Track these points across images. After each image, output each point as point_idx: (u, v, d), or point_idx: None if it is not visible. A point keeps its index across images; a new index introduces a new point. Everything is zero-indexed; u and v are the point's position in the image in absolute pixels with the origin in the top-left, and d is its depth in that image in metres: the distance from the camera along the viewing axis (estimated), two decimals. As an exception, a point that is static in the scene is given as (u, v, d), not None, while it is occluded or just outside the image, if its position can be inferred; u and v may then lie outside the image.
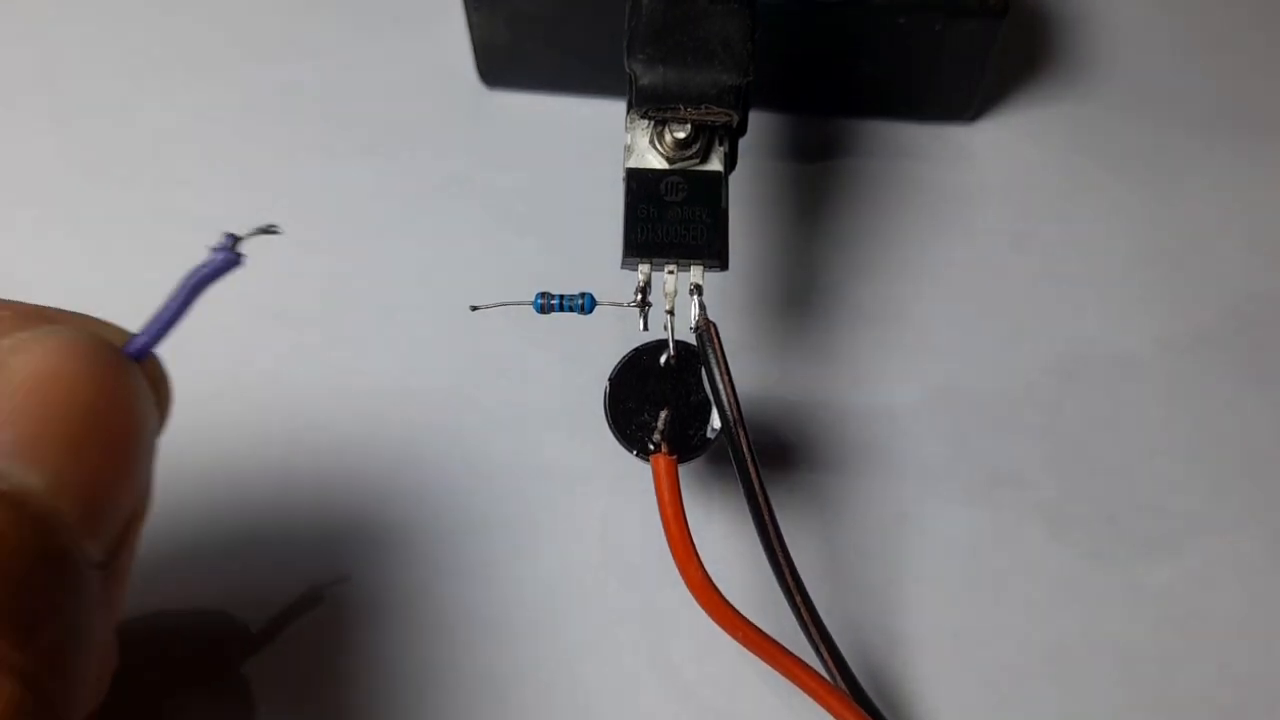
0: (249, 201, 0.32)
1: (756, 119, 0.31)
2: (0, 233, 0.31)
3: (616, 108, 0.32)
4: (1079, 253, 0.31)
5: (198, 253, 0.31)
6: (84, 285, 0.30)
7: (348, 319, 0.30)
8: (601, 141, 0.28)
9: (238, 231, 0.19)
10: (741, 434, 0.22)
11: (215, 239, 0.19)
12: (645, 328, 0.23)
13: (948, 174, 0.32)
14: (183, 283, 0.19)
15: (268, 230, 0.20)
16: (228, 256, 0.19)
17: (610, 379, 0.24)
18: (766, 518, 0.23)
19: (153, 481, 0.18)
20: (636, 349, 0.24)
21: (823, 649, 0.23)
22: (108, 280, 0.30)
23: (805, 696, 0.23)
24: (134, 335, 0.18)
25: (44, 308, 0.18)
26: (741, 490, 0.23)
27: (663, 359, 0.24)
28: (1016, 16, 0.31)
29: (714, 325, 0.23)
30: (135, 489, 0.17)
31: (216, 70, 0.34)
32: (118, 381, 0.17)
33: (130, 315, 0.30)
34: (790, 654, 0.23)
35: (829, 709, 0.23)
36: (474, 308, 0.23)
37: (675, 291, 0.24)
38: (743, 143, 0.25)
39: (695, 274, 0.23)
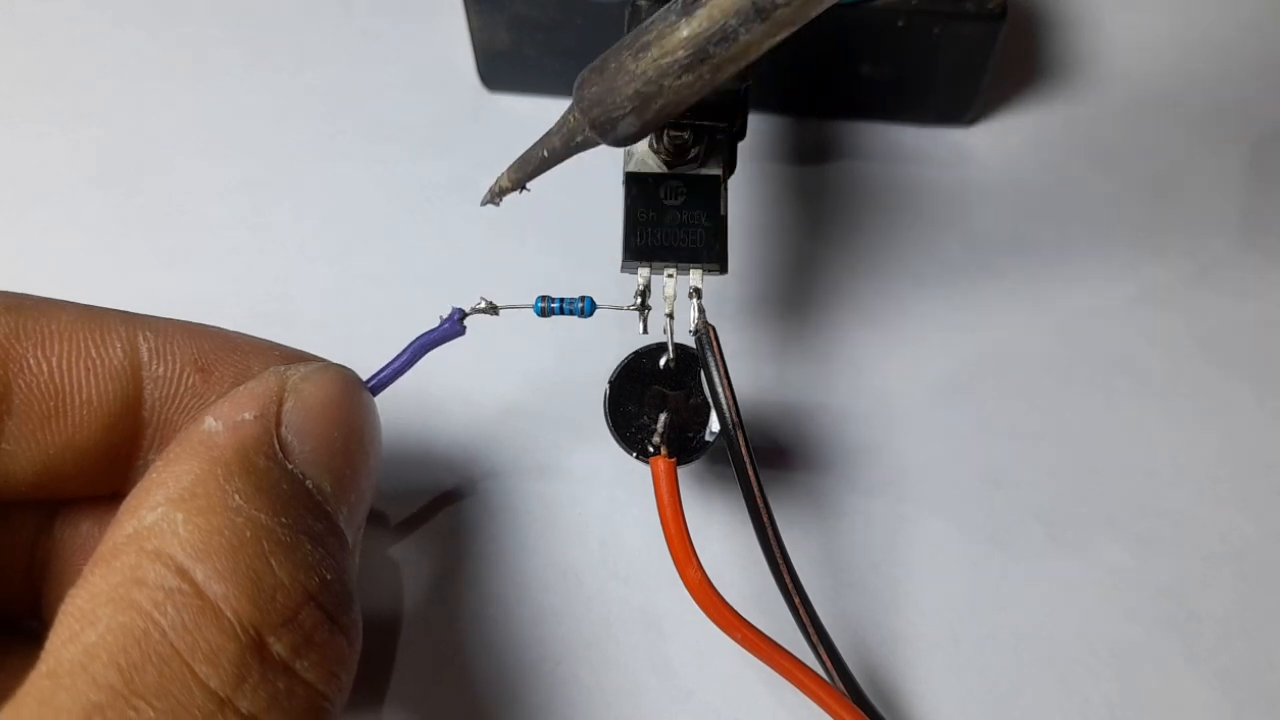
0: (252, 203, 0.32)
1: (755, 122, 0.31)
2: (8, 235, 0.31)
3: (616, 111, 0.32)
4: (1077, 254, 0.31)
5: (199, 254, 0.32)
6: (88, 286, 0.30)
7: (349, 320, 0.30)
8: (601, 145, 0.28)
9: (464, 308, 0.23)
10: (740, 436, 0.22)
11: (445, 309, 0.23)
12: (645, 331, 0.24)
13: (946, 176, 0.32)
14: (411, 342, 0.23)
15: (490, 309, 0.23)
16: (454, 326, 0.23)
17: (610, 382, 0.24)
18: (765, 519, 0.23)
19: None
20: (636, 352, 0.24)
21: (821, 649, 0.23)
22: (112, 281, 0.31)
23: (803, 696, 0.23)
24: (364, 383, 0.23)
25: (292, 349, 0.22)
26: (740, 492, 0.23)
27: (662, 362, 0.24)
28: (1015, 20, 0.31)
29: (713, 328, 0.23)
30: (374, 486, 0.21)
31: (219, 74, 0.34)
32: (371, 407, 0.22)
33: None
34: (789, 654, 0.23)
35: (827, 709, 0.23)
36: (495, 310, 0.23)
37: (675, 295, 0.24)
38: (741, 145, 0.25)
39: (694, 277, 0.24)
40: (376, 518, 0.27)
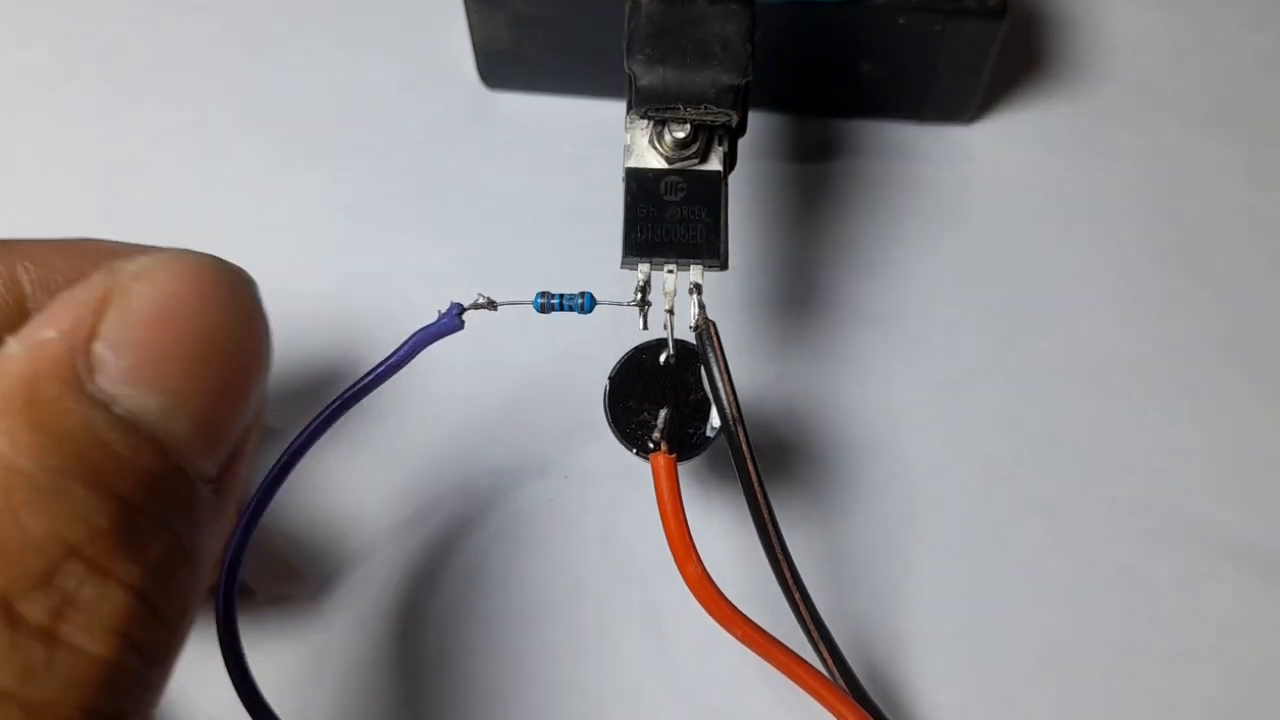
0: (250, 201, 0.32)
1: (755, 120, 0.31)
2: (4, 233, 0.31)
3: (616, 108, 0.32)
4: (1078, 252, 0.31)
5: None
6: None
7: (349, 318, 0.30)
8: (601, 142, 0.28)
9: (463, 302, 0.23)
10: (741, 432, 0.22)
11: (445, 305, 0.23)
12: (645, 327, 0.23)
13: (947, 174, 0.32)
14: (409, 337, 0.23)
15: (489, 305, 0.23)
16: (452, 321, 0.23)
17: (610, 378, 0.24)
18: (766, 516, 0.23)
19: (267, 400, 0.18)
20: (636, 348, 0.24)
21: (822, 647, 0.23)
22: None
23: (804, 694, 0.23)
24: (362, 376, 0.22)
25: (165, 248, 0.18)
26: (741, 489, 0.23)
27: (662, 358, 0.24)
28: (1015, 17, 0.31)
29: (713, 324, 0.23)
30: (249, 408, 0.18)
31: (219, 71, 0.34)
32: (237, 304, 0.17)
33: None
34: (790, 651, 0.23)
35: (828, 706, 0.23)
36: (494, 306, 0.23)
37: (675, 291, 0.24)
38: (742, 143, 0.25)
39: (695, 273, 0.24)
40: (375, 516, 0.27)
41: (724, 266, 0.24)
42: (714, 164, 0.24)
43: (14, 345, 0.16)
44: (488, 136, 0.33)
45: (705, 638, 0.25)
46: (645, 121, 0.24)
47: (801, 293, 0.30)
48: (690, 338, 0.23)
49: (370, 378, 0.23)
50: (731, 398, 0.22)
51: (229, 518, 0.18)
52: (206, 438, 0.17)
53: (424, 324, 0.23)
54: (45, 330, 0.16)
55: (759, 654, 0.23)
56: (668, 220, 0.24)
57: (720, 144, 0.24)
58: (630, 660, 0.26)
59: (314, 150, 0.32)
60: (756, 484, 0.22)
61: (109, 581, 0.15)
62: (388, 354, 0.23)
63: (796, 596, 0.23)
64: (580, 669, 0.26)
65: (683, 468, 0.23)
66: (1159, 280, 0.30)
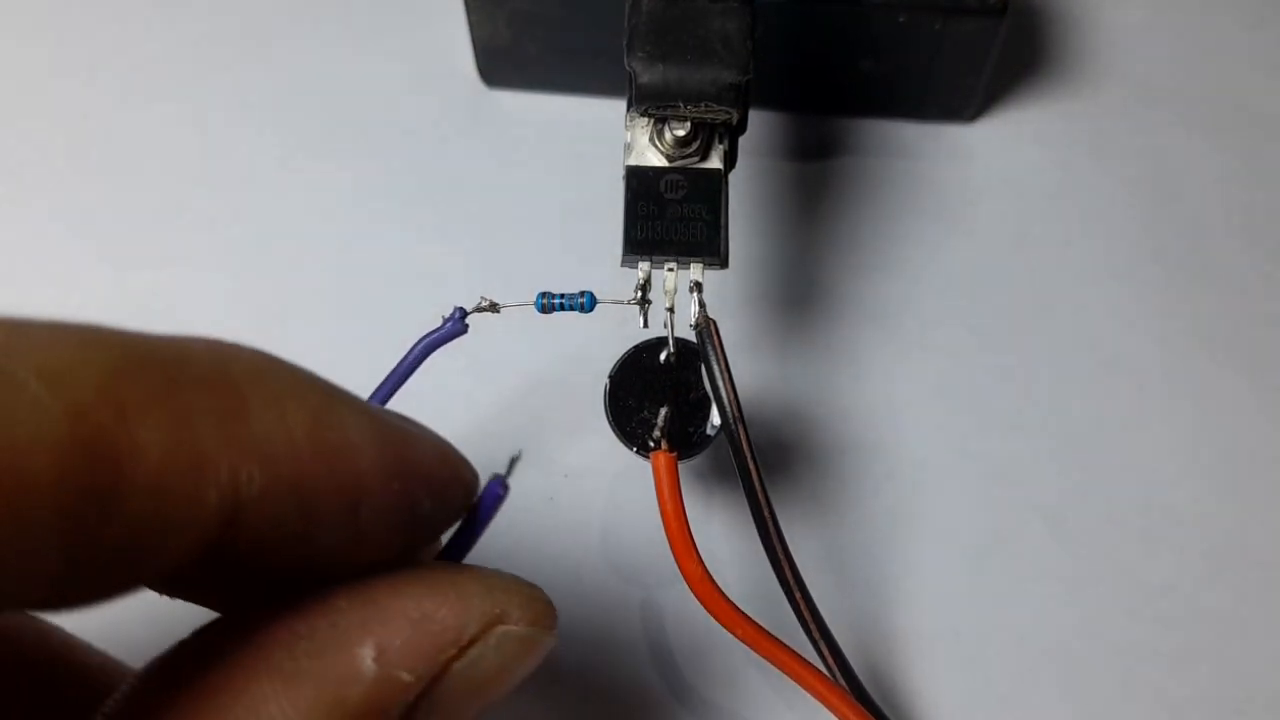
0: (249, 199, 0.32)
1: (755, 118, 0.30)
2: (3, 230, 0.31)
3: (616, 106, 0.32)
4: (1079, 252, 0.31)
5: (196, 252, 0.32)
6: (85, 284, 0.30)
7: (348, 317, 0.30)
8: (601, 140, 0.28)
9: (466, 306, 0.23)
10: (741, 431, 0.22)
11: (446, 307, 0.23)
12: (645, 325, 0.23)
13: (947, 173, 0.32)
14: (415, 344, 0.23)
15: (491, 307, 0.23)
16: (456, 325, 0.23)
17: (610, 376, 0.24)
18: (766, 515, 0.23)
19: None
20: (636, 346, 0.24)
21: (822, 646, 0.23)
22: (109, 279, 0.30)
23: (805, 693, 0.23)
24: (375, 390, 0.22)
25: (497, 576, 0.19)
26: (741, 487, 0.23)
27: (663, 356, 0.24)
28: (1016, 16, 0.31)
29: (714, 323, 0.23)
30: None
31: (216, 69, 0.34)
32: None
33: (132, 315, 0.30)
34: (790, 650, 0.23)
35: (829, 706, 0.23)
36: (496, 309, 0.23)
37: (675, 289, 0.24)
38: (742, 141, 0.25)
39: (695, 272, 0.23)
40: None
41: (724, 265, 0.24)
42: (714, 162, 0.24)
43: (368, 661, 0.15)
44: (487, 135, 0.33)
45: (706, 636, 0.25)
46: (645, 119, 0.24)
47: (802, 291, 0.30)
48: (691, 336, 0.23)
49: (381, 391, 0.23)
50: (732, 396, 0.22)
51: None
52: None
53: (426, 326, 0.23)
54: (402, 671, 0.16)
55: (760, 653, 0.23)
56: (668, 218, 0.24)
57: (721, 142, 0.24)
58: (631, 659, 0.26)
59: (312, 149, 0.32)
60: (757, 482, 0.22)
61: None
62: (395, 364, 0.23)
63: (797, 595, 0.23)
64: (580, 668, 0.25)
65: (683, 466, 0.23)
66: (1159, 280, 0.30)
